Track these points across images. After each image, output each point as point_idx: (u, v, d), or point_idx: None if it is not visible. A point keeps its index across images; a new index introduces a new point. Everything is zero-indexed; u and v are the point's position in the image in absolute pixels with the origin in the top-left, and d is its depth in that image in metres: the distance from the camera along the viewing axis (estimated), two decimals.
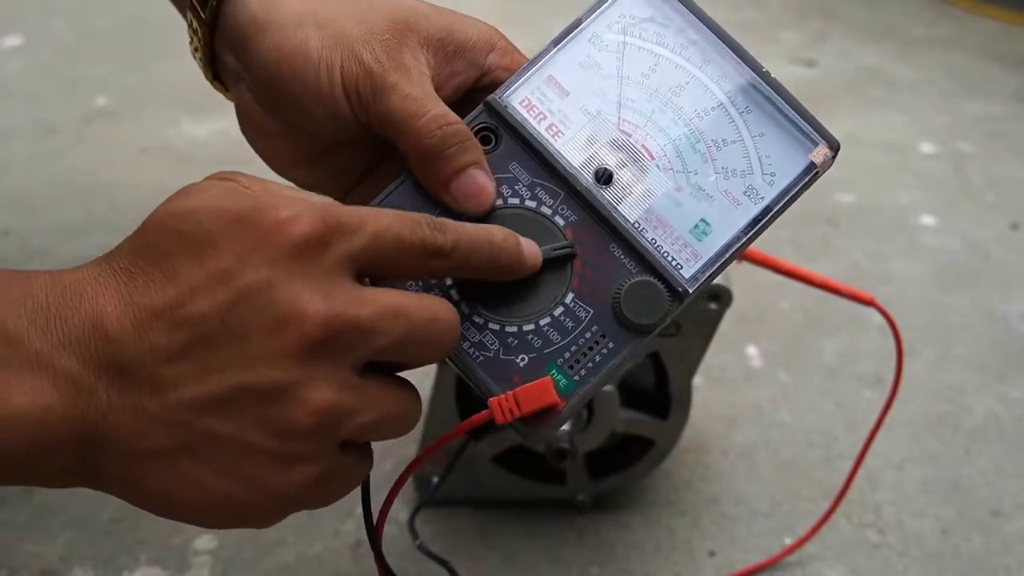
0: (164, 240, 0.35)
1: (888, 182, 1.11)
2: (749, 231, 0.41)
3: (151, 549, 0.62)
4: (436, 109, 0.41)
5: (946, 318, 0.89)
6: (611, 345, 0.39)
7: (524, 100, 0.42)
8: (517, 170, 0.41)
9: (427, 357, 0.37)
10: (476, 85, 0.44)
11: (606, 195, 0.41)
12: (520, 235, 0.39)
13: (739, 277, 0.64)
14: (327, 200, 0.37)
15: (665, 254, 0.40)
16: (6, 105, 1.13)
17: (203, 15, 0.46)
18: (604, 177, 0.41)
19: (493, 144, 0.41)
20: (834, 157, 0.41)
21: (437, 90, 0.42)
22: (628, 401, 0.64)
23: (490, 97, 0.41)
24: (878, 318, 0.74)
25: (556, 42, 0.42)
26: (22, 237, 0.93)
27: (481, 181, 0.40)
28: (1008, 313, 0.90)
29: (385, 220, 0.36)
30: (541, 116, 0.41)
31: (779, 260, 0.59)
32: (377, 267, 0.36)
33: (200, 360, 0.34)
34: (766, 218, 0.41)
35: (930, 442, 0.75)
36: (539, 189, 0.40)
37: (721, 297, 0.60)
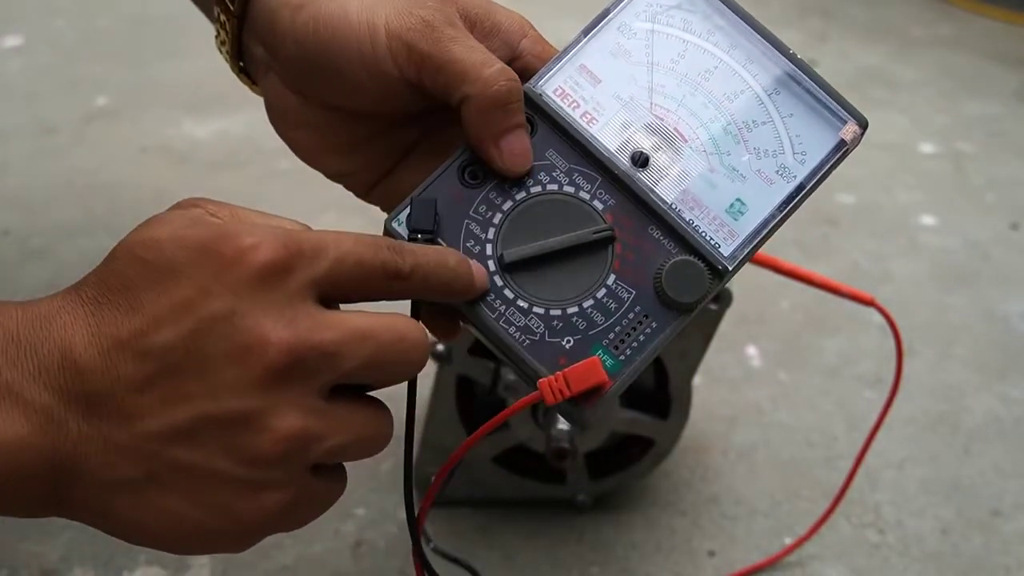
0: (129, 270, 0.35)
1: (888, 182, 1.11)
2: (784, 208, 0.42)
3: (151, 549, 0.62)
4: (500, 63, 0.41)
5: (946, 318, 0.89)
6: (654, 324, 0.40)
7: (558, 89, 0.42)
8: (555, 157, 0.42)
9: (396, 376, 0.37)
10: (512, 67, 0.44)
11: (643, 178, 0.41)
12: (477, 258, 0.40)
13: (739, 277, 0.64)
14: (293, 226, 0.37)
15: (703, 234, 0.41)
16: (6, 105, 1.13)
17: (232, 6, 0.46)
18: (640, 160, 0.41)
19: (531, 132, 0.42)
20: (863, 134, 0.42)
21: None
22: (628, 401, 0.64)
23: (525, 86, 0.42)
24: (878, 318, 0.74)
25: (586, 32, 0.43)
26: (22, 237, 0.93)
27: (527, 144, 0.42)
28: (1008, 313, 0.90)
29: (346, 244, 0.36)
30: (575, 104, 0.42)
31: (779, 260, 0.59)
32: (340, 290, 0.36)
33: (166, 390, 0.34)
34: (800, 195, 0.42)
35: (930, 442, 0.75)
36: (576, 175, 0.41)
37: (721, 297, 0.60)
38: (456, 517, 0.66)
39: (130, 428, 0.34)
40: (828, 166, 0.42)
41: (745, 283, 0.71)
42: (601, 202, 0.41)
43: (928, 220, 1.04)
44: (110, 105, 1.13)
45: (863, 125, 0.42)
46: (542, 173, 0.41)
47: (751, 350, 0.83)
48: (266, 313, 0.34)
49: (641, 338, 0.40)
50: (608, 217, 0.41)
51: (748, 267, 0.61)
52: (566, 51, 0.43)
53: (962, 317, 0.89)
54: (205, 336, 0.34)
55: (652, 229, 0.41)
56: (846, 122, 0.42)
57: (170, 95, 1.15)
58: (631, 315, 0.40)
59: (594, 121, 0.42)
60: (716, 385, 0.79)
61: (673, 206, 0.41)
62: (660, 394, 0.64)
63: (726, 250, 0.41)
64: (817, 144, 0.42)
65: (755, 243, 0.41)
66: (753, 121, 0.42)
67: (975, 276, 0.95)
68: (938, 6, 1.68)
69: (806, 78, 0.42)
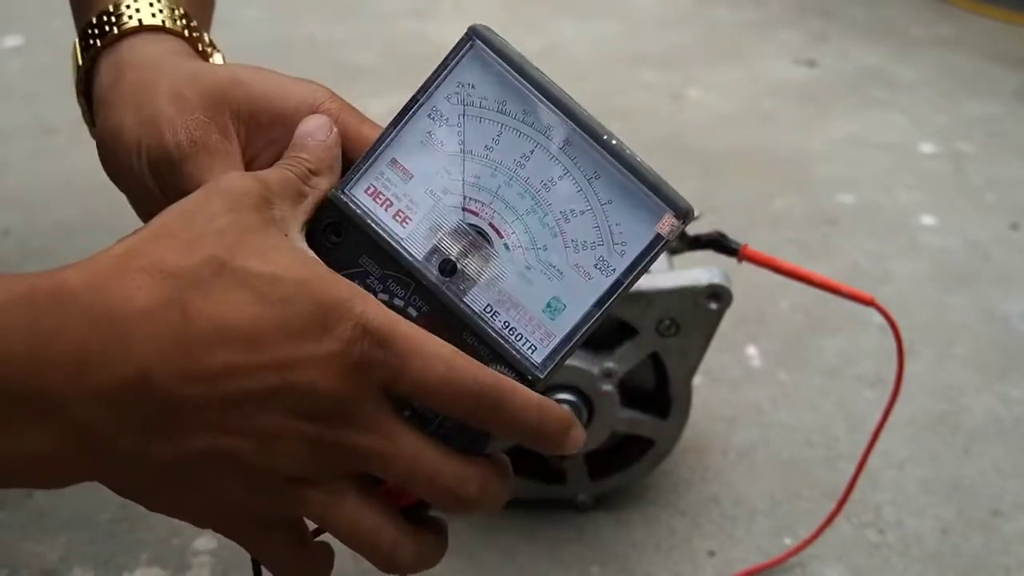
0: (233, 298, 0.34)
1: (888, 182, 1.11)
2: (602, 306, 0.39)
3: (151, 549, 0.62)
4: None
5: (946, 318, 0.89)
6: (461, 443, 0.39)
7: (369, 187, 0.40)
8: (367, 263, 0.40)
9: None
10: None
11: (452, 286, 0.40)
12: None
13: (739, 277, 0.64)
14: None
15: (519, 337, 0.39)
16: (6, 105, 1.13)
17: (79, 85, 0.50)
18: (449, 269, 0.40)
19: (341, 238, 0.40)
20: (683, 224, 0.39)
21: (253, 159, 0.43)
22: (628, 401, 0.64)
23: (331, 192, 0.40)
24: (878, 318, 0.74)
25: (396, 122, 0.41)
26: (22, 237, 0.93)
27: None
28: (1008, 313, 0.90)
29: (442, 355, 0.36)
30: (387, 203, 0.40)
31: (779, 260, 0.59)
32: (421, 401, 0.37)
33: (225, 422, 0.34)
34: (617, 292, 0.39)
35: (930, 442, 0.75)
36: (391, 281, 0.40)
37: (721, 297, 0.60)
38: (455, 516, 0.66)
39: (173, 444, 0.34)
40: (646, 261, 0.39)
41: (745, 283, 0.71)
42: (415, 309, 0.40)
43: (928, 220, 1.04)
44: None
45: (682, 215, 0.39)
46: (356, 280, 0.38)
47: (751, 350, 0.83)
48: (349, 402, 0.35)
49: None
50: (423, 325, 0.38)
51: (748, 267, 0.62)
52: (376, 145, 0.41)
53: (962, 317, 0.89)
54: (280, 400, 0.34)
55: (467, 336, 0.39)
56: (663, 214, 0.39)
57: None
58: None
59: (407, 220, 0.40)
60: (716, 385, 0.79)
61: (488, 309, 0.39)
62: (660, 394, 0.64)
63: (540, 355, 0.39)
64: (636, 235, 0.39)
65: (572, 344, 0.39)
66: (571, 211, 0.39)
67: (975, 276, 0.95)
68: (938, 6, 1.68)
69: (623, 164, 0.39)
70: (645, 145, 1.22)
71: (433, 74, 0.41)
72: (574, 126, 0.39)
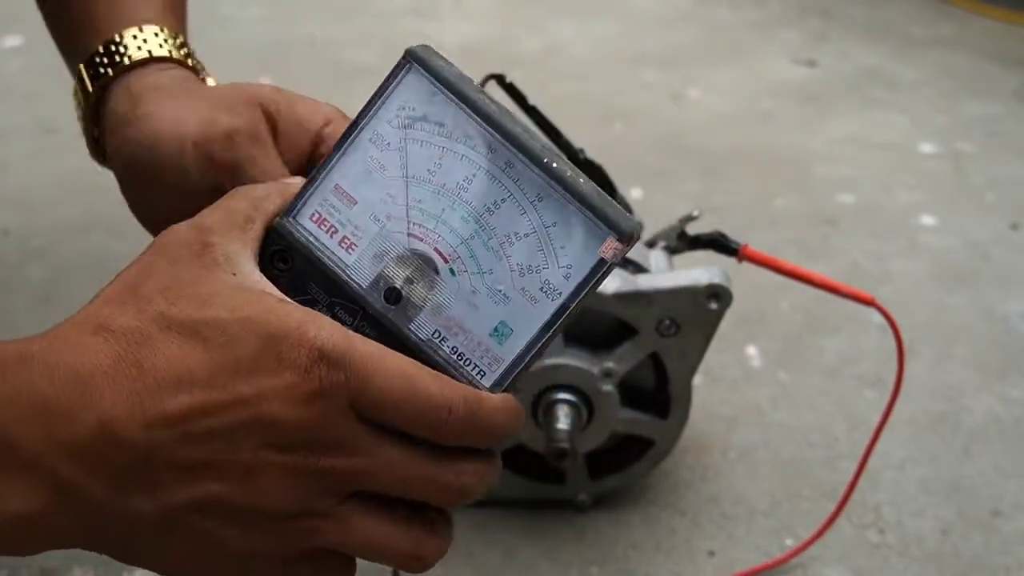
0: (185, 344, 0.35)
1: (888, 182, 1.11)
2: (548, 330, 0.38)
3: None
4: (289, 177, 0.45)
5: (946, 318, 0.89)
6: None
7: (314, 214, 0.40)
8: (315, 291, 0.40)
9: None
10: (315, 154, 0.49)
11: (398, 314, 0.39)
12: None
13: (739, 277, 0.64)
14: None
15: (467, 362, 0.39)
16: (6, 105, 1.13)
17: (87, 113, 0.54)
18: (394, 297, 0.39)
19: (289, 266, 0.40)
20: (629, 246, 0.38)
21: (281, 154, 0.49)
22: (628, 401, 0.64)
23: (277, 220, 0.40)
24: (878, 318, 0.74)
25: (338, 147, 0.40)
26: (22, 237, 0.93)
27: None
28: (1008, 313, 0.90)
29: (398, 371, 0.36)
30: (333, 230, 0.40)
31: (779, 260, 0.59)
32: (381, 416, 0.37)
33: (199, 471, 0.34)
34: (563, 316, 0.38)
35: (930, 442, 0.75)
36: (338, 308, 0.39)
37: (721, 297, 0.60)
38: (456, 515, 0.66)
39: (154, 498, 0.34)
40: (591, 284, 0.38)
41: (745, 283, 0.71)
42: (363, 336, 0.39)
43: (928, 220, 1.04)
44: None
45: (626, 239, 0.38)
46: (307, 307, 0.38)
47: (751, 350, 0.83)
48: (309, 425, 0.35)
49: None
50: None
51: (749, 267, 0.62)
52: (319, 170, 0.40)
53: (962, 317, 0.89)
54: (248, 435, 0.34)
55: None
56: (606, 237, 0.38)
57: None
58: None
59: (353, 247, 0.39)
60: (716, 385, 0.79)
61: (435, 335, 0.39)
62: (660, 394, 0.64)
63: (488, 380, 0.39)
64: (580, 258, 0.38)
65: (520, 368, 0.39)
66: (515, 234, 0.38)
67: (975, 276, 0.95)
68: (938, 6, 1.68)
69: (565, 186, 0.38)
70: (645, 145, 1.22)
71: (373, 97, 0.40)
72: (518, 148, 0.38)
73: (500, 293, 0.39)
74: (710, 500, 0.69)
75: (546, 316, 0.38)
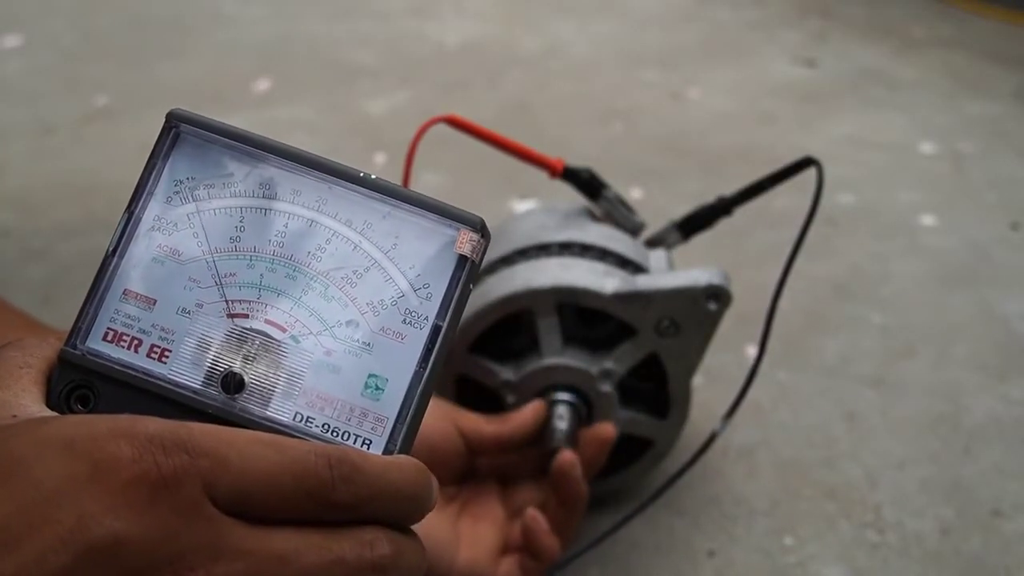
0: None
1: (888, 182, 1.11)
2: (427, 362, 0.34)
3: None
4: None
5: (946, 318, 0.89)
6: None
7: (107, 332, 0.34)
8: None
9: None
10: None
11: (246, 404, 0.33)
12: None
13: (739, 277, 0.64)
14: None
15: (346, 436, 0.34)
16: (6, 105, 1.13)
17: None
18: (235, 384, 0.34)
19: (92, 402, 0.33)
20: (485, 237, 0.35)
21: None
22: (627, 401, 0.64)
23: (62, 351, 0.33)
24: (878, 318, 0.74)
25: (114, 249, 0.34)
26: (22, 237, 0.93)
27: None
28: (1008, 313, 0.90)
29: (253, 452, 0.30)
30: (136, 343, 0.34)
31: (479, 126, 0.59)
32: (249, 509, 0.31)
33: None
34: (440, 339, 0.34)
35: (930, 442, 0.75)
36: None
37: (720, 297, 0.60)
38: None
39: None
40: (459, 291, 0.34)
41: (745, 283, 0.71)
42: None
43: (928, 220, 1.04)
44: (110, 105, 1.13)
45: (479, 228, 0.35)
46: None
47: (751, 350, 0.83)
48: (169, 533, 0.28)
49: None
50: None
51: (749, 267, 0.61)
52: (97, 281, 0.34)
53: (962, 317, 0.89)
54: (93, 566, 0.27)
55: None
56: (458, 232, 0.34)
57: (170, 95, 1.15)
58: None
59: (166, 353, 0.34)
60: (716, 385, 0.79)
61: (298, 418, 0.33)
62: (660, 394, 0.64)
63: (378, 447, 0.34)
64: (436, 269, 0.34)
65: (410, 418, 0.34)
66: (355, 272, 0.34)
67: (975, 276, 0.95)
68: (938, 6, 1.68)
69: (395, 197, 0.35)
70: (645, 145, 1.22)
71: (142, 179, 0.35)
72: (324, 175, 0.35)
73: (358, 343, 0.34)
74: (710, 500, 0.69)
75: (419, 348, 0.34)
